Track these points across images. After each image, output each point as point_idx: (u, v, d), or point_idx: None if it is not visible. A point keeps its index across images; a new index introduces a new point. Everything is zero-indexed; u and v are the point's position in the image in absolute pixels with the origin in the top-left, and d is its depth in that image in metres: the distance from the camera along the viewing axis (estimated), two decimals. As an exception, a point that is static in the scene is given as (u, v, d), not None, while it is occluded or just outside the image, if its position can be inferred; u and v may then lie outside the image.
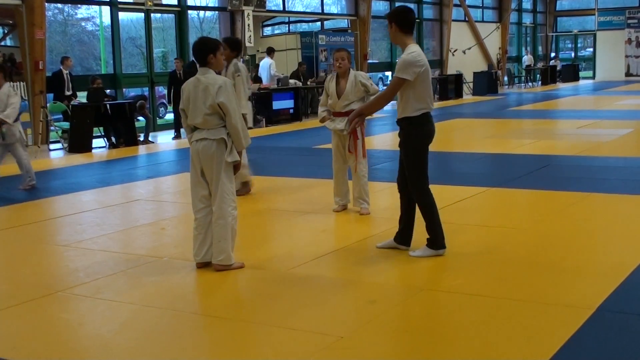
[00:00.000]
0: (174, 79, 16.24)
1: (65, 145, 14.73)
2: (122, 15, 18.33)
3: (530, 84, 34.27)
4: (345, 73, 7.72)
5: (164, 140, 16.48)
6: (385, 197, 8.75)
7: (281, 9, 23.56)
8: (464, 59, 30.02)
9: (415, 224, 6.28)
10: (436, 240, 6.09)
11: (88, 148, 14.37)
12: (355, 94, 7.69)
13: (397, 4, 27.19)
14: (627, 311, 4.79)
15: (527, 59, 35.34)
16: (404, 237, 6.29)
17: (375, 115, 7.89)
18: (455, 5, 30.33)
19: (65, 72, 15.69)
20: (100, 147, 14.86)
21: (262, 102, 18.87)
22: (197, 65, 5.92)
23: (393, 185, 9.38)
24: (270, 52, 20.40)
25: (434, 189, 8.95)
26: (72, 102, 15.08)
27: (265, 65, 20.14)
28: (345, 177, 7.94)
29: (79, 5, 21.28)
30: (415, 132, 5.96)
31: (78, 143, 14.35)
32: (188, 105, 5.85)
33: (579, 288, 5.25)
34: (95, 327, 4.83)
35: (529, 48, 37.80)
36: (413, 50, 5.91)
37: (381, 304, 5.01)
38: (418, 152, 6.00)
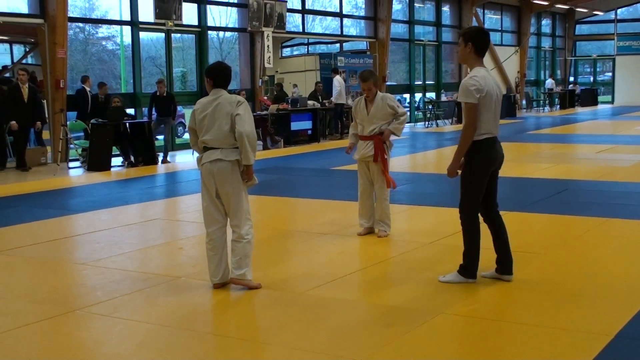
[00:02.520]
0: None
1: (85, 163, 14.81)
2: (142, 34, 18.49)
3: (547, 108, 34.18)
4: (373, 98, 7.73)
5: (182, 159, 16.55)
6: (404, 220, 8.75)
7: (300, 30, 23.66)
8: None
9: (480, 250, 6.03)
10: (469, 268, 5.95)
11: (107, 166, 14.45)
12: (382, 116, 7.66)
13: (415, 27, 27.32)
14: (646, 339, 4.76)
15: (549, 82, 35.30)
16: (503, 265, 6.05)
17: (393, 137, 7.82)
18: (475, 28, 30.37)
19: (87, 90, 15.83)
20: (119, 166, 14.94)
21: (280, 123, 18.96)
22: (212, 86, 5.95)
23: (412, 208, 9.47)
24: (336, 71, 21.30)
25: (452, 212, 8.96)
26: (91, 121, 15.18)
27: (342, 82, 20.87)
28: (370, 199, 7.89)
29: (100, 25, 21.48)
30: (477, 156, 5.80)
31: (97, 161, 14.43)
32: (202, 123, 5.85)
33: (597, 314, 5.21)
34: (112, 347, 4.84)
35: (548, 71, 37.75)
36: (475, 75, 5.79)
37: (397, 328, 5.00)
38: (475, 176, 5.83)
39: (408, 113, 27.76)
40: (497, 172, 6.02)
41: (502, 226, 6.06)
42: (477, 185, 5.86)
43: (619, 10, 38.49)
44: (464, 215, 5.94)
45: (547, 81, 35.82)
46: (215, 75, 5.94)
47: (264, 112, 18.78)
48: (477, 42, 5.86)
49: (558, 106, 35.02)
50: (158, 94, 15.86)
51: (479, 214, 6.01)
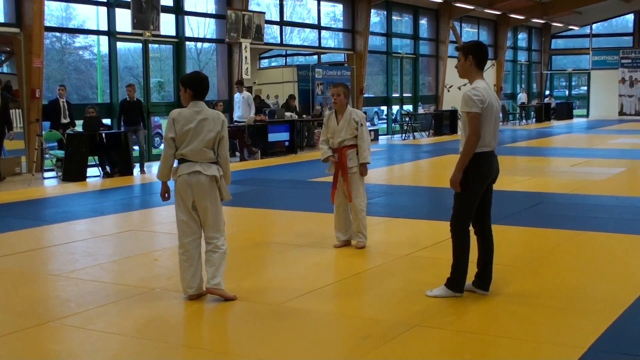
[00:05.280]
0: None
1: (60, 173, 14.71)
2: (119, 44, 18.39)
3: (524, 121, 34.47)
4: (341, 108, 7.75)
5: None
6: (381, 232, 8.76)
7: (278, 42, 23.69)
8: (459, 95, 30.01)
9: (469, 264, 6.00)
10: (457, 282, 5.89)
11: (82, 177, 14.35)
12: (348, 131, 7.71)
13: (393, 40, 27.43)
14: (617, 351, 4.79)
15: (522, 96, 35.59)
16: (482, 280, 6.01)
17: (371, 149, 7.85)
18: (452, 41, 30.57)
19: (61, 100, 15.72)
20: (94, 176, 14.85)
21: (257, 134, 18.93)
22: (191, 98, 5.89)
23: (388, 220, 9.48)
24: (242, 83, 19.60)
25: (428, 225, 9.03)
26: (67, 131, 15.08)
27: (246, 98, 19.24)
28: (346, 212, 7.89)
29: (77, 34, 21.37)
30: (473, 169, 5.77)
31: (72, 172, 14.34)
32: (184, 137, 5.82)
33: (571, 327, 5.25)
34: (85, 359, 4.80)
35: (523, 86, 38.04)
36: (477, 86, 5.82)
37: (374, 340, 5.00)
38: (470, 190, 5.78)
39: (384, 126, 28.05)
40: (492, 186, 6.01)
41: (492, 241, 6.03)
42: (472, 199, 5.83)
43: (594, 25, 38.94)
44: (455, 228, 5.89)
45: (519, 95, 36.10)
46: (194, 86, 5.87)
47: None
48: (477, 55, 5.90)
49: (534, 119, 35.31)
50: (128, 99, 15.75)
51: (471, 227, 5.98)
